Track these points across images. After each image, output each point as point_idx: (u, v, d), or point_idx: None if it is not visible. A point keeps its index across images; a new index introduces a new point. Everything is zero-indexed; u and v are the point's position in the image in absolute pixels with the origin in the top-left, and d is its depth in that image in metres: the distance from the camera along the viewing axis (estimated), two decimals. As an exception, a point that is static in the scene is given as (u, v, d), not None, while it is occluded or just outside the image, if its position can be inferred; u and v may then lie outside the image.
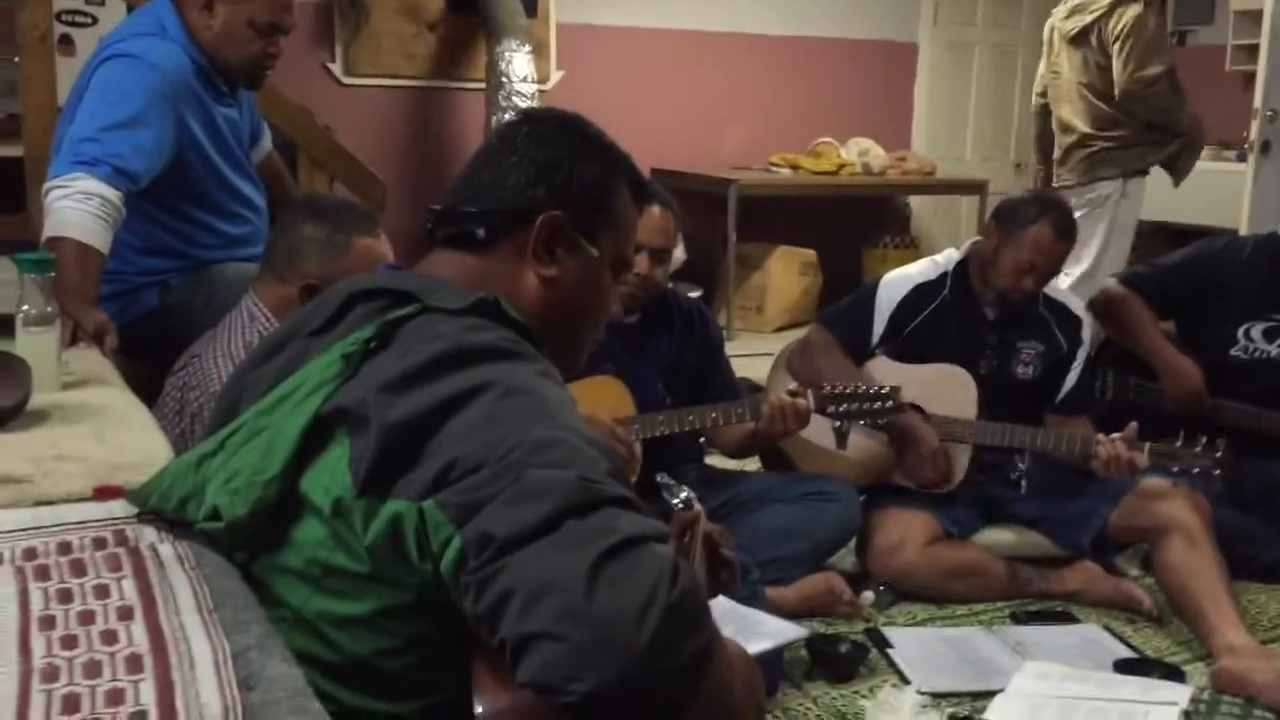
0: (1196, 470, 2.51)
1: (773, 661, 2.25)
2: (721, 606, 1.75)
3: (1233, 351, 3.14)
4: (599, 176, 1.30)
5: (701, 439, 2.90)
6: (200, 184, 2.57)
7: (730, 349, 3.04)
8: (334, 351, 1.12)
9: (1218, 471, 2.50)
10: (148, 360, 2.37)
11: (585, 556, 0.87)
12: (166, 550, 1.13)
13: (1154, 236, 6.70)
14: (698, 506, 1.47)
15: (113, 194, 2.27)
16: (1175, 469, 2.53)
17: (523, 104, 5.26)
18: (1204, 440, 2.53)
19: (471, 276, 1.24)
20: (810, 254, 6.12)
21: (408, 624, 1.05)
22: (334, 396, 1.08)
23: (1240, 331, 3.13)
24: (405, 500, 0.98)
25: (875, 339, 2.97)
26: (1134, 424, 2.61)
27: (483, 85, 5.41)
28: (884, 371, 2.91)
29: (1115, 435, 2.62)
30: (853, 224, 6.56)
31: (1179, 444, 2.54)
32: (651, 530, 0.93)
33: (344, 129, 4.65)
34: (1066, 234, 2.86)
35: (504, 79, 5.14)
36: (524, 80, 5.25)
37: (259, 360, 1.26)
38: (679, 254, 5.94)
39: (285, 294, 2.11)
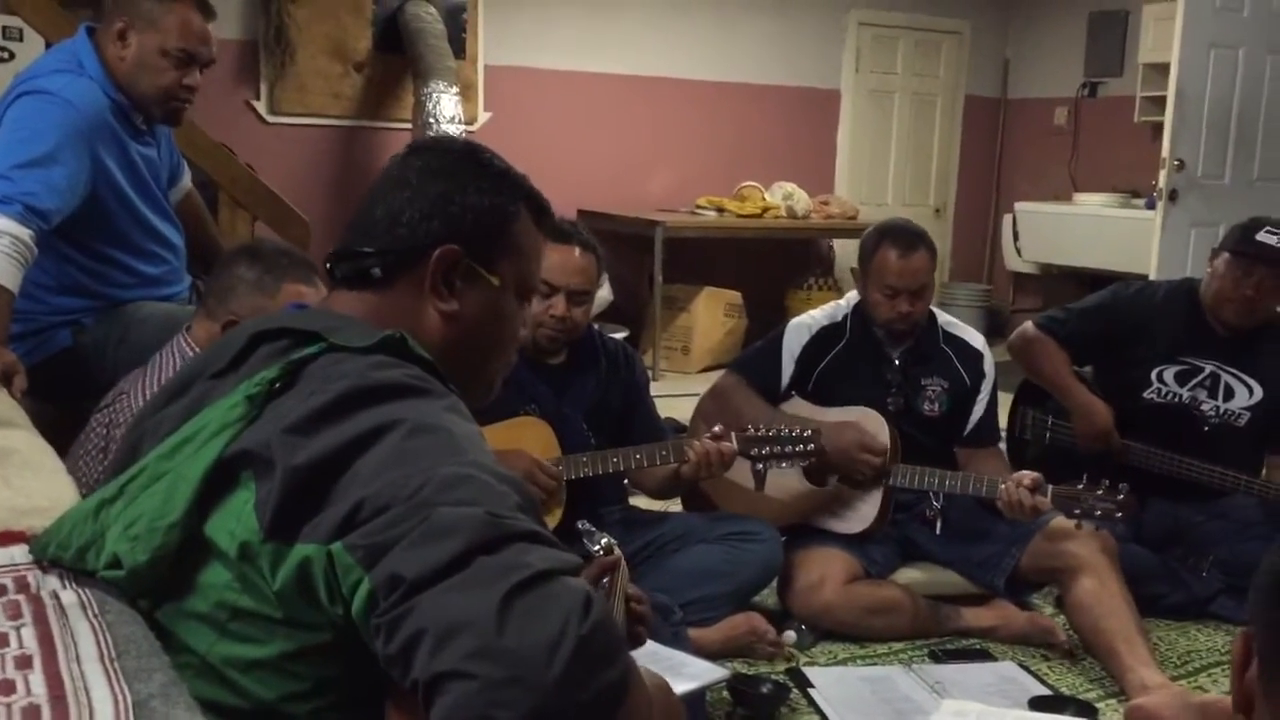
0: (1099, 513, 2.55)
1: (695, 703, 2.24)
2: (645, 647, 1.76)
3: (1145, 394, 3.21)
4: (494, 205, 1.28)
5: (625, 480, 2.91)
6: (116, 223, 2.54)
7: (656, 389, 3.06)
8: (237, 393, 1.10)
9: (1120, 514, 2.55)
10: (58, 401, 2.32)
11: (495, 593, 0.87)
12: (69, 597, 1.11)
13: (1066, 281, 6.91)
14: (618, 552, 1.47)
15: (24, 232, 2.24)
16: (1077, 511, 2.57)
17: (449, 145, 5.26)
18: (1106, 484, 2.58)
19: (372, 315, 1.23)
20: (735, 295, 6.19)
21: (316, 666, 1.04)
22: (237, 439, 1.06)
23: (1154, 374, 3.20)
24: (314, 544, 0.97)
25: (785, 382, 3.01)
26: (1035, 474, 2.64)
27: (409, 125, 5.42)
28: (799, 414, 2.95)
29: (1020, 474, 2.66)
30: (777, 266, 6.65)
31: (1082, 486, 2.58)
32: (562, 564, 0.93)
33: (268, 168, 4.62)
34: (909, 248, 2.90)
35: (431, 120, 5.15)
36: (451, 121, 5.26)
37: (161, 403, 1.23)
38: (605, 295, 6.02)
39: (214, 331, 2.09)
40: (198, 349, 2.08)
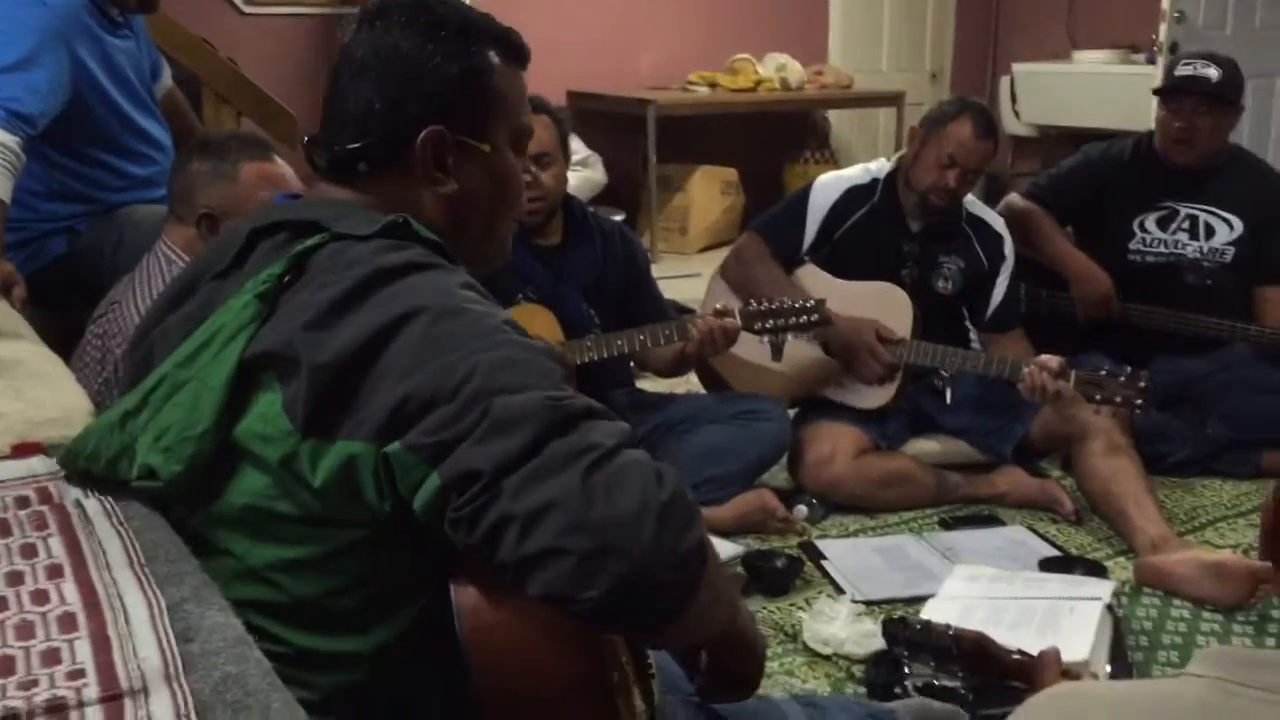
0: (1119, 400, 2.55)
1: (711, 579, 2.28)
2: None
3: (1131, 246, 3.24)
4: (465, 68, 1.19)
5: (631, 363, 2.91)
6: (101, 123, 2.49)
7: (655, 271, 3.04)
8: (246, 292, 1.08)
9: (1140, 402, 2.54)
10: (58, 310, 2.30)
11: (574, 472, 0.89)
12: (93, 505, 1.11)
13: (1065, 143, 6.80)
14: None
15: (10, 139, 2.20)
16: (1099, 397, 2.57)
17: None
18: (1129, 370, 2.57)
19: (370, 204, 1.18)
20: (731, 172, 6.11)
21: (356, 562, 1.04)
22: (255, 340, 1.05)
23: (1135, 224, 3.24)
24: (360, 442, 0.96)
25: (807, 244, 2.99)
26: (1060, 359, 2.62)
27: (391, 11, 5.27)
28: (821, 284, 2.93)
29: (1045, 358, 2.64)
30: (772, 140, 6.55)
31: (1104, 373, 2.58)
32: (626, 436, 0.94)
33: (248, 61, 4.50)
34: (986, 133, 2.88)
35: (413, 3, 5.01)
36: None
37: (165, 309, 1.21)
38: (599, 177, 5.92)
39: (189, 234, 2.07)
40: (181, 253, 2.06)
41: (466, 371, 0.94)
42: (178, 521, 1.10)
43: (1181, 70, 3.14)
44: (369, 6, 1.24)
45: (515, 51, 1.26)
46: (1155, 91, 3.21)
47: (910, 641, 1.70)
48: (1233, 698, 0.81)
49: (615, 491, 0.88)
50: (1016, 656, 1.55)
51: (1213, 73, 3.09)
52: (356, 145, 1.19)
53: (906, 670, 1.76)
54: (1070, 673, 1.46)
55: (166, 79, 2.87)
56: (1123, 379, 2.54)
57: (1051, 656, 1.45)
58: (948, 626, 1.65)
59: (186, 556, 1.03)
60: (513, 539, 0.88)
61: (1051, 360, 2.62)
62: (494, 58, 1.22)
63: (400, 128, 1.18)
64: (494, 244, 1.30)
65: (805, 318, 2.67)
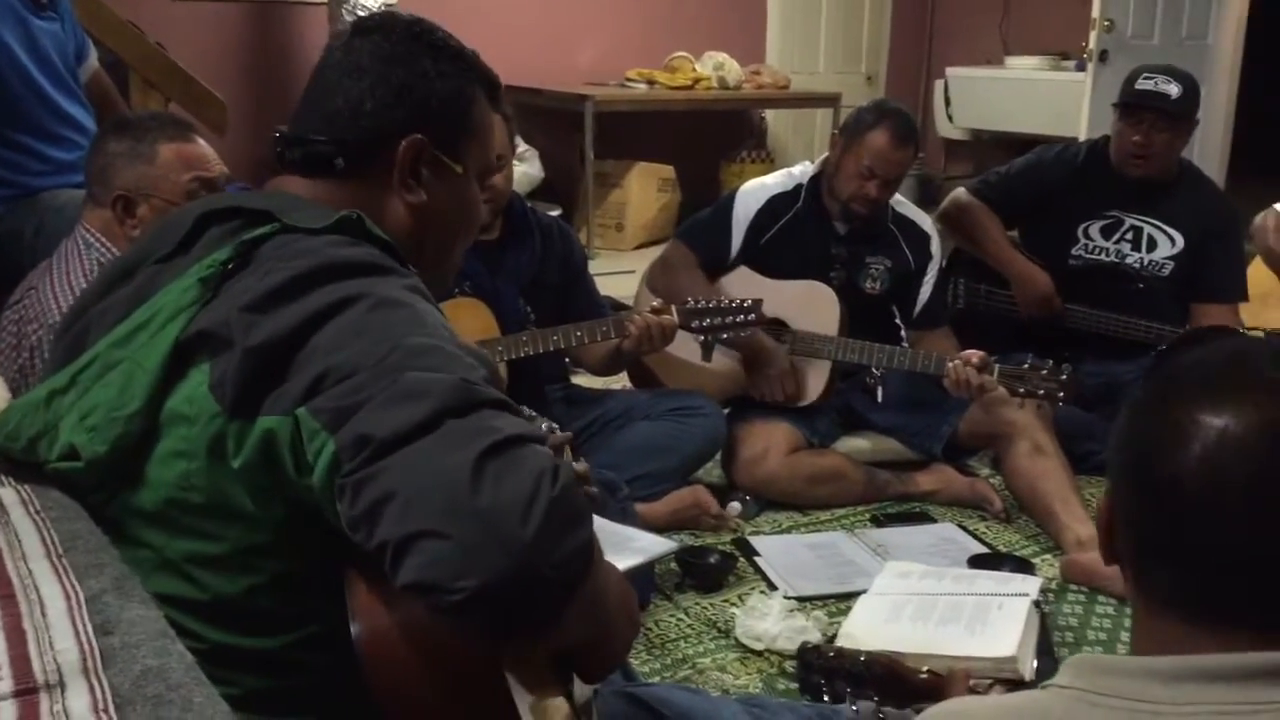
0: (1043, 393, 2.59)
1: (644, 575, 2.28)
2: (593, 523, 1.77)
3: (1074, 251, 3.27)
4: (457, 89, 1.24)
5: (567, 359, 2.90)
6: (22, 106, 2.43)
7: (591, 267, 3.03)
8: (190, 276, 1.07)
9: (1062, 394, 2.58)
10: (-24, 295, 2.23)
11: (467, 455, 0.86)
12: (9, 495, 1.08)
13: (997, 147, 6.92)
14: (560, 434, 1.48)
15: (-73, 121, 2.13)
16: (1022, 390, 2.60)
17: (369, 19, 5.07)
18: (1050, 364, 2.62)
19: (331, 202, 1.18)
20: (668, 170, 6.12)
21: (275, 560, 1.03)
22: (193, 322, 1.03)
23: (1080, 230, 3.27)
24: (277, 416, 0.95)
25: (734, 252, 3.00)
26: (982, 353, 2.66)
27: (324, 0, 5.21)
28: (750, 285, 2.94)
29: (968, 353, 2.68)
30: (709, 139, 6.58)
31: (1027, 366, 2.62)
32: (530, 431, 0.92)
33: (178, 47, 4.41)
34: (904, 140, 2.89)
35: (348, -7, 4.95)
36: (368, -7, 5.06)
37: (103, 290, 1.19)
38: (535, 172, 5.88)
39: (106, 216, 2.02)
40: (100, 237, 2.01)
41: (388, 350, 0.94)
42: (94, 511, 1.07)
43: (1142, 85, 3.12)
44: (369, 19, 1.28)
45: (495, 93, 1.31)
46: (1115, 105, 3.20)
47: (825, 668, 1.77)
48: (1095, 709, 0.82)
49: (505, 480, 0.86)
50: (924, 676, 1.59)
51: (1173, 89, 3.09)
52: (337, 140, 1.20)
53: (825, 699, 1.80)
54: (977, 690, 1.50)
55: (92, 61, 2.80)
56: (1045, 371, 2.59)
57: (960, 674, 1.49)
58: (859, 652, 1.72)
59: (106, 547, 1.00)
60: (394, 515, 0.85)
61: (974, 354, 2.66)
62: (477, 90, 1.27)
63: (386, 129, 1.20)
64: (446, 266, 1.32)
65: (742, 317, 2.68)
